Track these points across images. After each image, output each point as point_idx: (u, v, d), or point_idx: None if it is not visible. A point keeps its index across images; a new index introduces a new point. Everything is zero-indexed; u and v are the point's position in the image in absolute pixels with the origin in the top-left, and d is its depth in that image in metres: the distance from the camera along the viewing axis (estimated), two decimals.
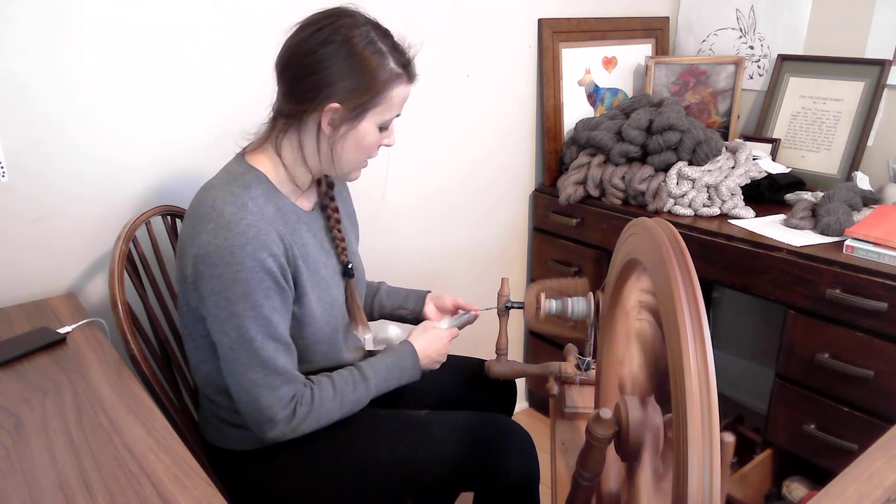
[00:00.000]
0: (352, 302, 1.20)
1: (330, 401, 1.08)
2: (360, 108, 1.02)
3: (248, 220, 0.98)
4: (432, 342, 1.24)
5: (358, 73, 1.00)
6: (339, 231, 1.19)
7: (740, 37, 2.14)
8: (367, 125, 1.04)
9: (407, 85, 1.06)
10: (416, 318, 1.39)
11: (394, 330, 1.36)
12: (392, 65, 1.02)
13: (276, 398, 1.02)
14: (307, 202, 1.15)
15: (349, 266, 1.19)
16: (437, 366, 1.26)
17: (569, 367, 1.32)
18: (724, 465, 0.65)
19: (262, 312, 0.99)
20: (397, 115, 1.08)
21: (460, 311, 1.38)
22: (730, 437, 0.66)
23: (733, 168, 1.78)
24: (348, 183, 1.28)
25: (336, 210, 1.19)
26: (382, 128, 1.07)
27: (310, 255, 1.09)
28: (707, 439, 0.60)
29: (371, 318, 1.41)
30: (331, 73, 0.99)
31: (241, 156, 1.10)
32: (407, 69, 1.05)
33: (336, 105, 1.00)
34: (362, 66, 1.00)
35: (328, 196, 1.19)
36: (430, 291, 1.40)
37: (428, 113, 1.79)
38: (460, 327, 1.37)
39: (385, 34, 1.04)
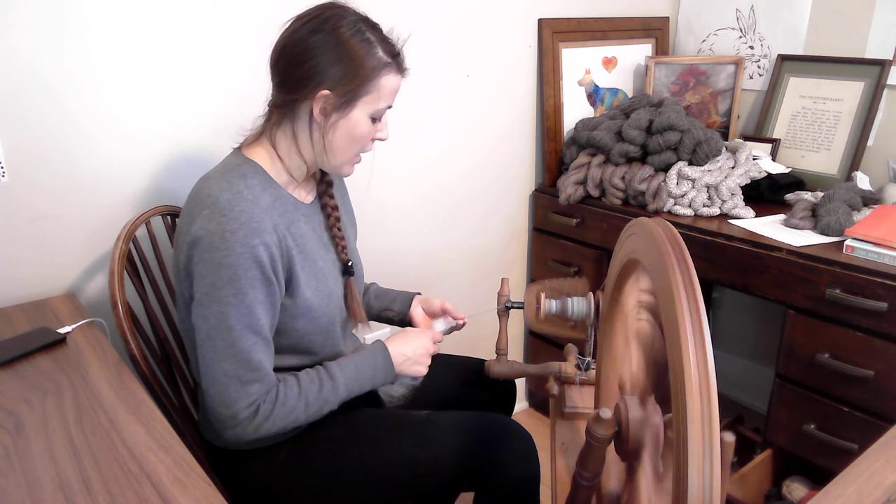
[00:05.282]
0: (351, 299, 1.20)
1: (294, 398, 1.04)
2: (350, 94, 1.03)
3: (241, 207, 0.99)
4: (408, 341, 1.20)
5: (346, 60, 1.01)
6: (339, 230, 1.19)
7: (740, 37, 2.14)
8: (359, 114, 1.05)
9: (396, 75, 1.06)
10: (402, 321, 1.38)
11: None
12: (380, 54, 1.03)
13: (245, 394, 1.00)
14: (306, 195, 1.15)
15: (349, 264, 1.19)
16: (421, 368, 1.21)
17: (569, 367, 1.32)
18: (725, 464, 0.65)
19: (246, 301, 0.99)
20: (389, 107, 1.09)
21: (446, 316, 1.35)
22: (730, 437, 0.66)
23: (733, 168, 1.78)
24: (345, 179, 1.28)
25: (335, 208, 1.19)
26: (375, 119, 1.08)
27: (307, 247, 1.10)
28: (707, 439, 0.60)
29: None
30: (320, 62, 1.01)
31: (238, 149, 1.11)
32: (396, 59, 1.06)
33: (326, 92, 1.01)
34: (350, 53, 1.01)
35: (328, 194, 1.19)
36: (419, 293, 1.40)
37: (428, 113, 1.79)
38: (446, 333, 1.34)
39: (373, 26, 1.05)
